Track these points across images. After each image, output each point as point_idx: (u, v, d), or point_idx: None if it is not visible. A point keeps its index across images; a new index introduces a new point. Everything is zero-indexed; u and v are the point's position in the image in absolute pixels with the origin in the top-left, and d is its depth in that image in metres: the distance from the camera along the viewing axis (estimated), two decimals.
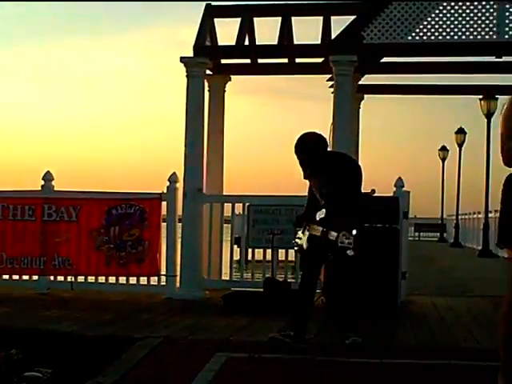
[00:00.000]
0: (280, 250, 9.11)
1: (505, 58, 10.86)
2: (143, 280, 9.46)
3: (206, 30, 10.04)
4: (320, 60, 10.55)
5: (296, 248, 6.17)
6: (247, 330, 6.81)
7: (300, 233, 6.07)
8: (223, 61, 10.86)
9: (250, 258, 9.62)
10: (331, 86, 10.66)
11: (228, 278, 9.56)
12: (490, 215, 22.06)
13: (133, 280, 9.48)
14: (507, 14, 9.79)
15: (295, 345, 5.82)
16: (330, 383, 4.95)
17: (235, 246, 10.22)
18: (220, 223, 9.53)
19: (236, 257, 10.09)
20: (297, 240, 6.09)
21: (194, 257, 9.22)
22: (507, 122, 4.09)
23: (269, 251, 9.02)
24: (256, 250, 9.46)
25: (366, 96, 12.95)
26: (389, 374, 5.12)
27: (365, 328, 6.56)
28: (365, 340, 6.03)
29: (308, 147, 6.03)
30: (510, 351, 4.04)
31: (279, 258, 9.21)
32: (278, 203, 8.93)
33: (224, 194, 10.57)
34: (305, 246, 5.94)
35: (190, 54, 9.65)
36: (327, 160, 6.10)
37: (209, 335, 6.48)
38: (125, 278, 9.48)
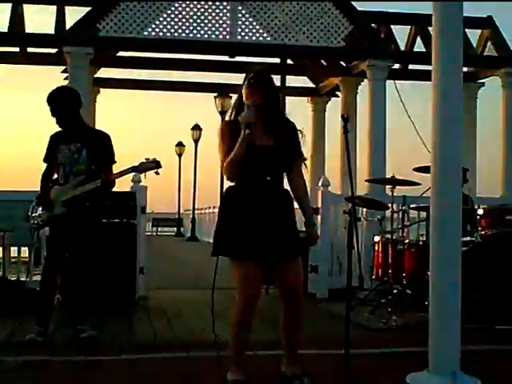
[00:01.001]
0: (13, 248, 8.70)
1: (238, 58, 11.33)
2: None
3: None
4: (54, 51, 10.27)
5: (36, 224, 6.16)
6: None
7: (40, 210, 6.04)
8: None
9: None
10: (66, 78, 10.42)
11: None
12: None
13: None
14: (239, 15, 10.19)
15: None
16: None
17: None
18: None
19: None
20: (38, 218, 6.09)
21: None
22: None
23: None
24: None
25: (102, 90, 12.83)
26: (129, 370, 5.08)
27: (102, 324, 6.47)
28: (103, 337, 5.96)
29: (59, 101, 5.80)
30: (238, 352, 4.46)
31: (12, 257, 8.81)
32: (13, 199, 8.48)
33: None
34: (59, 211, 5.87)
35: None
36: (84, 125, 6.02)
37: None
38: None
